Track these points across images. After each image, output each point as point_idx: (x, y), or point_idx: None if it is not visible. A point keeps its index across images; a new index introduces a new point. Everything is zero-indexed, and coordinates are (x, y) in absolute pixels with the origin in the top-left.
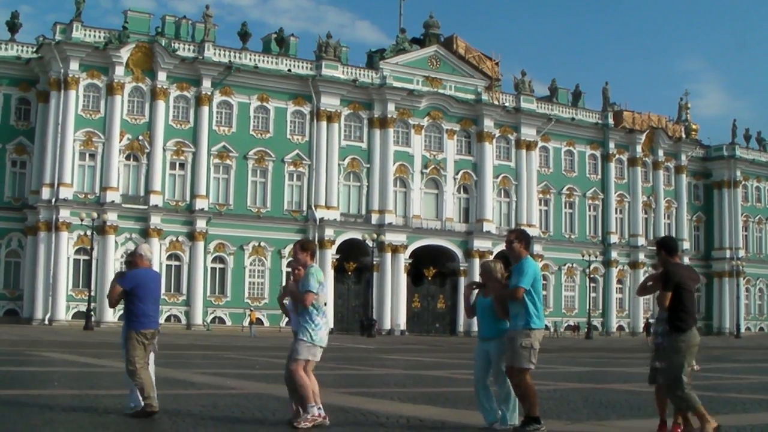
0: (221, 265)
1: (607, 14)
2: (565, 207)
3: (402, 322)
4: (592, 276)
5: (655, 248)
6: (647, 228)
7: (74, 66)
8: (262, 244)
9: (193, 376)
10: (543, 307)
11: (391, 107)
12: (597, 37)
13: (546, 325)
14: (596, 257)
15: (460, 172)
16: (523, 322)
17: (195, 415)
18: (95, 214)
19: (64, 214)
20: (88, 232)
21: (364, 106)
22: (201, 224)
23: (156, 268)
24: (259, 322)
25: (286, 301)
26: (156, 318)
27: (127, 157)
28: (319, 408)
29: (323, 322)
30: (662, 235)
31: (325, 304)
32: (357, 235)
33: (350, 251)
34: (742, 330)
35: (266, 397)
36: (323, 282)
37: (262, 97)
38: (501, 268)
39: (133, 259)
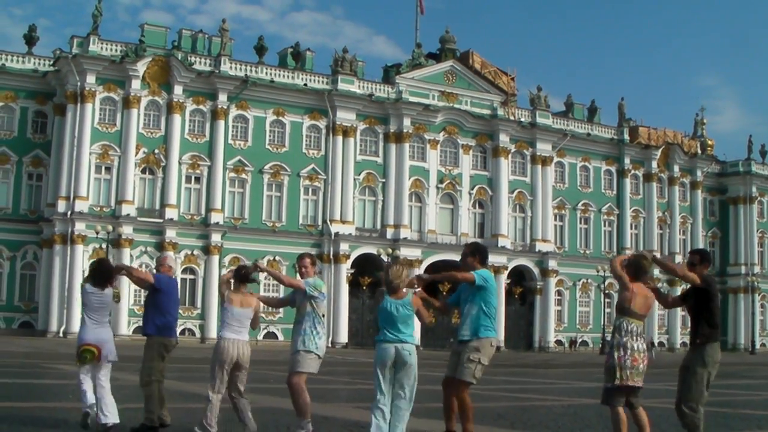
0: None
1: (624, 30)
2: (580, 222)
3: (416, 336)
4: (606, 291)
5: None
6: (662, 244)
7: (91, 79)
8: (277, 258)
9: (207, 390)
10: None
11: (406, 122)
12: (613, 53)
13: (562, 341)
14: (611, 273)
15: (476, 187)
16: (469, 332)
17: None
18: (110, 228)
19: (80, 227)
20: (104, 245)
21: (379, 121)
22: (216, 238)
23: None
24: (274, 336)
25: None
26: (175, 329)
27: (143, 171)
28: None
29: (324, 332)
30: (677, 251)
31: (323, 315)
32: (372, 249)
33: (365, 266)
34: (757, 346)
35: (280, 412)
36: (323, 293)
37: (278, 111)
38: (406, 273)
39: (160, 268)
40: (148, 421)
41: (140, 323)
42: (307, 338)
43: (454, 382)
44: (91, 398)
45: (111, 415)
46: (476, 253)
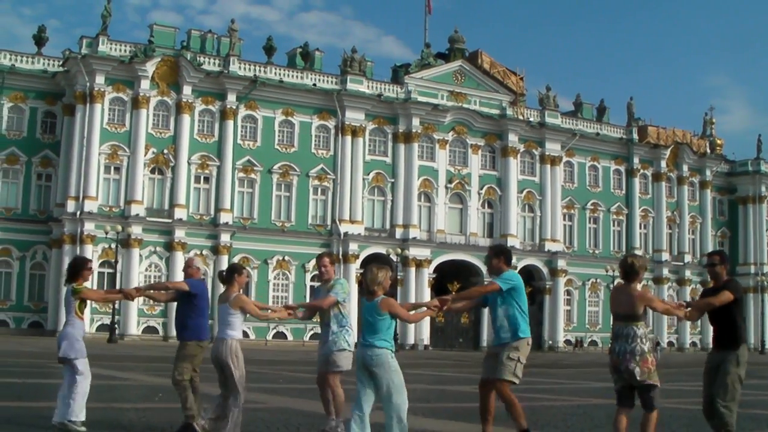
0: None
1: (632, 30)
2: (590, 222)
3: (426, 336)
4: None
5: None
6: (671, 243)
7: (100, 79)
8: (287, 258)
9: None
10: (527, 319)
11: (415, 122)
12: (622, 53)
13: (573, 340)
14: None
15: (485, 187)
16: (509, 334)
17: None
18: (120, 228)
19: (89, 227)
20: (113, 246)
21: (388, 121)
22: (225, 238)
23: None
24: (283, 336)
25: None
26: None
27: (152, 171)
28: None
29: (351, 329)
30: (686, 250)
31: (348, 312)
32: (381, 249)
33: None
34: (767, 345)
35: (290, 412)
36: (349, 294)
37: (287, 111)
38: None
39: (189, 271)
40: (191, 419)
41: (149, 324)
42: (339, 338)
43: (491, 383)
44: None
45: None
46: (500, 255)
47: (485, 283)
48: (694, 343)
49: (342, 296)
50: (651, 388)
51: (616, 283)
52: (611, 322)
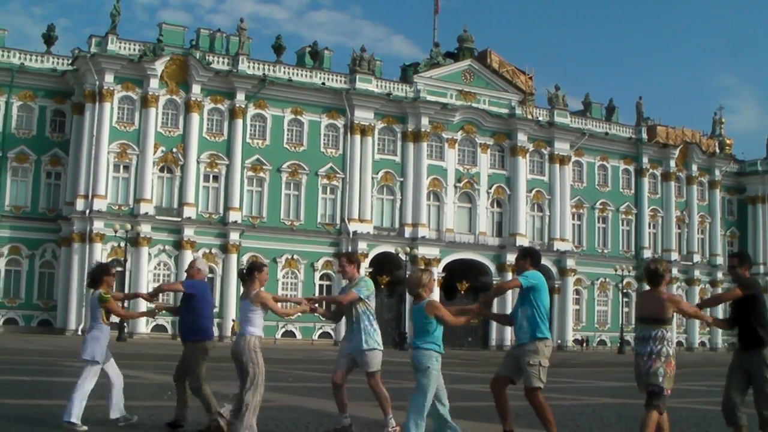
0: None
1: (642, 29)
2: (598, 222)
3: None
4: (624, 291)
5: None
6: (680, 243)
7: (109, 78)
8: (295, 257)
9: (226, 389)
10: (547, 321)
11: (424, 121)
12: (631, 52)
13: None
14: (629, 272)
15: (494, 186)
16: (528, 335)
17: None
18: (129, 226)
19: (98, 225)
20: (122, 244)
21: (397, 120)
22: (234, 237)
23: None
24: (292, 334)
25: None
26: (212, 330)
27: (161, 170)
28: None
29: (378, 327)
30: (695, 250)
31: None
32: (390, 248)
33: (383, 264)
34: None
35: (300, 410)
36: (373, 292)
37: (295, 110)
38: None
39: (190, 272)
40: (214, 422)
41: (158, 322)
42: (368, 337)
43: (502, 380)
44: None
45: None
46: (527, 256)
47: (494, 281)
48: (703, 343)
49: (365, 293)
50: (662, 390)
51: (643, 289)
52: (635, 325)
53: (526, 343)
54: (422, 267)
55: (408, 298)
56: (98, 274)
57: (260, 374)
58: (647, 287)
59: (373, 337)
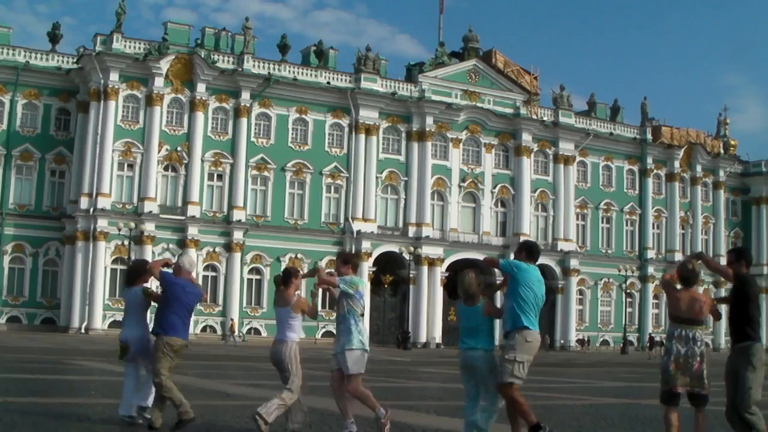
0: (258, 277)
1: (647, 29)
2: (602, 222)
3: (438, 335)
4: (628, 291)
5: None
6: (684, 244)
7: (114, 77)
8: (299, 255)
9: (230, 387)
10: (532, 313)
11: (429, 120)
12: (636, 52)
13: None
14: (633, 272)
15: (498, 186)
16: (507, 327)
17: (232, 426)
18: (133, 224)
19: (102, 223)
20: (126, 242)
21: (402, 119)
22: (238, 235)
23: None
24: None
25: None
26: (183, 329)
27: (165, 168)
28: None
29: (364, 328)
30: (699, 250)
31: (362, 315)
32: (394, 247)
33: (387, 264)
34: None
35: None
36: (360, 291)
37: (300, 109)
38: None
39: (174, 270)
40: (185, 415)
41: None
42: (352, 336)
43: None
44: (126, 392)
45: (144, 399)
46: (522, 250)
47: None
48: (706, 344)
49: (345, 286)
50: (708, 395)
51: (678, 287)
52: (671, 324)
53: (507, 337)
54: (471, 268)
55: (414, 298)
56: (137, 272)
57: (298, 379)
58: (680, 287)
59: (357, 337)
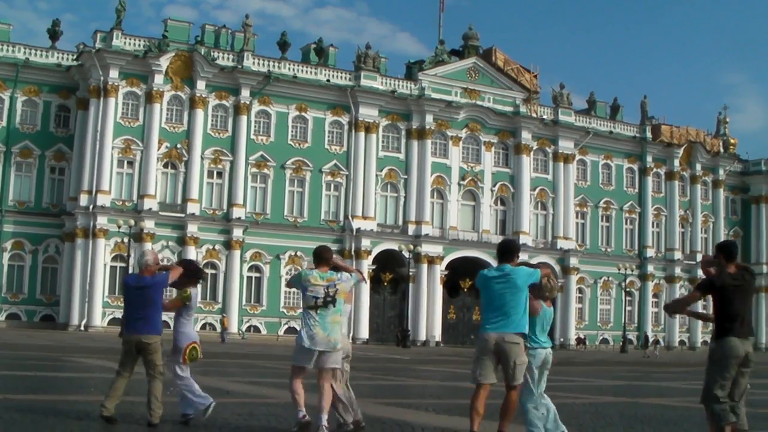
0: (257, 274)
1: (647, 28)
2: (602, 220)
3: (437, 333)
4: (627, 290)
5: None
6: (684, 242)
7: (114, 74)
8: (299, 253)
9: (229, 385)
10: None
11: (429, 118)
12: (636, 51)
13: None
14: (632, 271)
15: (498, 184)
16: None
17: (231, 424)
18: (132, 222)
19: (102, 221)
20: (125, 240)
21: (402, 117)
22: (238, 233)
23: None
24: (294, 331)
25: None
26: (133, 325)
27: (165, 165)
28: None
29: (314, 323)
30: (699, 249)
31: (310, 308)
32: (393, 245)
33: (386, 262)
34: None
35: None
36: (303, 284)
37: (300, 106)
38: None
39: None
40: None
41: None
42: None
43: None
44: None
45: (202, 399)
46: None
47: None
48: (706, 342)
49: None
50: None
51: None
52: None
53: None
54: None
55: (413, 296)
56: (189, 273)
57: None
58: None
59: (304, 328)
